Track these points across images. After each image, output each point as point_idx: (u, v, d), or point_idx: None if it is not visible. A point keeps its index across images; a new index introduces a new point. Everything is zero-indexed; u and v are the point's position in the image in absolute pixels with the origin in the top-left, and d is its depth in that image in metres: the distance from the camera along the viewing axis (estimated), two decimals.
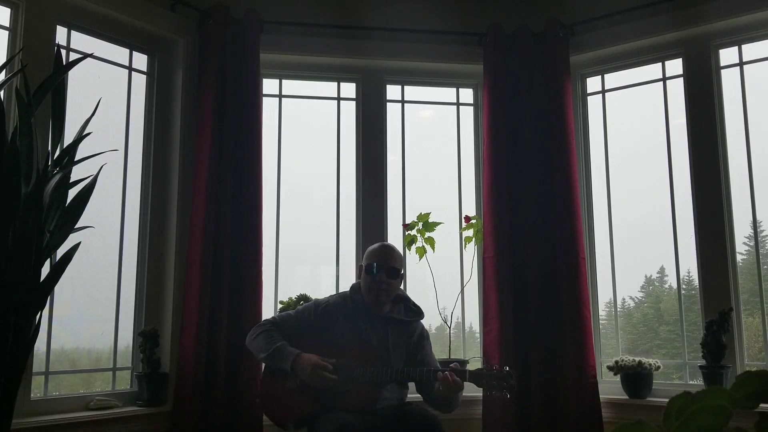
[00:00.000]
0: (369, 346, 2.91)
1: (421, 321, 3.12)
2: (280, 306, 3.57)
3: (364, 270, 3.01)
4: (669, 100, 3.69)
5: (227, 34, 3.55)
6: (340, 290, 3.71)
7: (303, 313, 3.06)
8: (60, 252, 2.54)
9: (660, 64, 3.72)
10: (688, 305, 3.57)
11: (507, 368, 2.73)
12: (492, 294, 3.54)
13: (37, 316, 2.44)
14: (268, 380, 2.94)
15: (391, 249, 3.06)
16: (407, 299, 3.14)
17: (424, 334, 3.07)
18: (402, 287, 3.23)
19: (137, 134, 3.52)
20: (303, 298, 3.51)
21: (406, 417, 2.76)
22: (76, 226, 2.55)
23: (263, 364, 3.05)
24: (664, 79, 3.71)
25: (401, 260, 3.08)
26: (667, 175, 3.64)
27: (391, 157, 3.91)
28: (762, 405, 0.73)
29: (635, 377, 3.36)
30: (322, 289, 3.89)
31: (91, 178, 2.60)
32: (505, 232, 3.58)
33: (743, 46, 3.50)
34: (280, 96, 3.90)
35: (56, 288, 2.66)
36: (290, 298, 3.54)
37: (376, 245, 3.08)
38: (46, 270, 2.48)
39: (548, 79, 3.71)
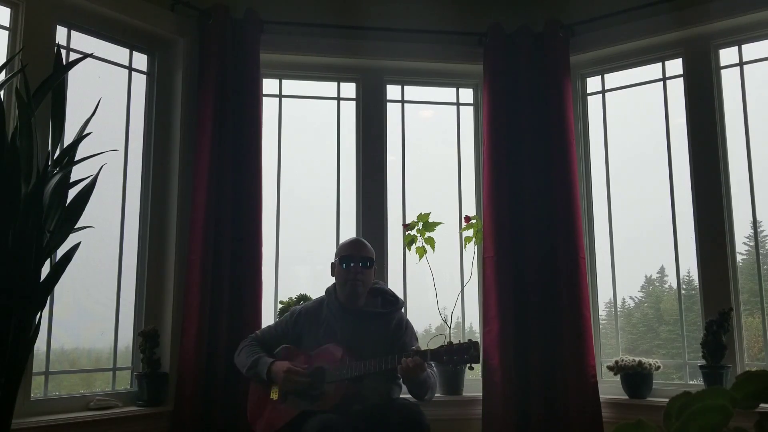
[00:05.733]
0: (344, 345, 2.90)
1: (401, 310, 3.12)
2: (280, 306, 3.57)
3: (338, 263, 3.04)
4: (669, 100, 3.69)
5: (227, 34, 3.55)
6: None
7: (281, 324, 3.13)
8: (60, 252, 2.54)
9: (660, 64, 3.72)
10: (688, 305, 3.57)
11: (469, 340, 2.72)
12: (492, 294, 3.53)
13: (37, 316, 2.44)
14: (254, 398, 2.98)
15: (363, 241, 3.12)
16: (385, 291, 3.14)
17: (401, 324, 3.04)
18: (397, 284, 3.24)
19: (137, 134, 3.52)
20: (303, 298, 3.51)
21: (391, 411, 2.75)
22: (76, 226, 2.55)
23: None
24: (664, 79, 3.71)
25: (373, 253, 3.10)
26: (667, 175, 3.64)
27: (391, 157, 3.91)
28: (762, 405, 0.73)
29: (635, 377, 3.36)
30: (322, 289, 3.88)
31: (91, 178, 2.60)
32: (505, 232, 3.58)
33: (743, 46, 3.50)
34: (280, 96, 3.90)
35: (56, 288, 2.66)
36: (290, 298, 3.54)
37: (346, 240, 3.14)
38: (46, 270, 2.48)
39: (548, 79, 3.71)
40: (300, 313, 3.09)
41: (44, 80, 2.59)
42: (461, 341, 2.74)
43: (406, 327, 3.05)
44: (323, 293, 3.15)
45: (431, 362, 2.79)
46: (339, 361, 2.82)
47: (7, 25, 3.01)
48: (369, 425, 2.74)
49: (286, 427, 2.81)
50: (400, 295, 3.23)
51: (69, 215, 2.51)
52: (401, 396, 2.99)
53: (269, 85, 3.86)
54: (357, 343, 2.91)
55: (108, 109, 3.20)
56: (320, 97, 3.99)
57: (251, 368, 2.93)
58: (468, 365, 2.75)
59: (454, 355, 2.69)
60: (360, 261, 2.99)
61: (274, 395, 2.88)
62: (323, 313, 3.04)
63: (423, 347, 2.91)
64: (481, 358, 3.54)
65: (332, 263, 3.11)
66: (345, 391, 2.76)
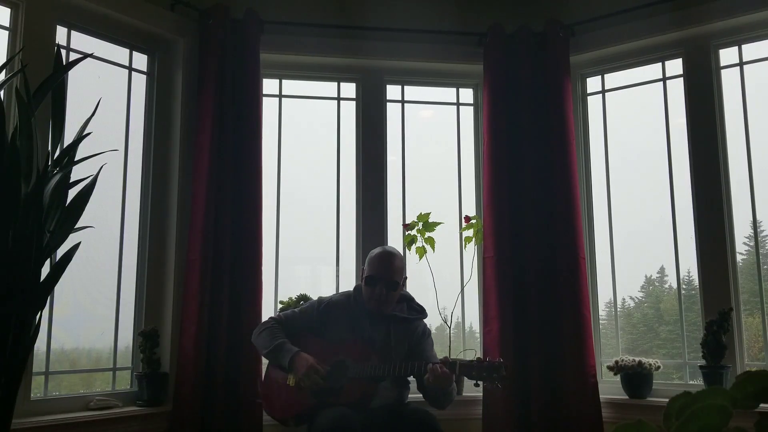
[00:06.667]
0: (370, 344, 2.92)
1: (425, 321, 3.14)
2: (280, 306, 3.57)
3: (364, 280, 3.02)
4: (669, 100, 3.69)
5: (227, 34, 3.55)
6: (340, 290, 3.71)
7: (306, 311, 3.11)
8: (60, 252, 2.54)
9: (660, 64, 3.72)
10: (688, 305, 3.57)
11: (499, 360, 2.69)
12: (492, 294, 3.53)
13: (37, 316, 2.44)
14: (270, 378, 3.00)
15: (391, 259, 3.03)
16: (411, 299, 3.17)
17: (425, 332, 3.09)
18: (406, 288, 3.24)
19: (137, 134, 3.52)
20: (303, 298, 3.51)
21: (405, 416, 2.77)
22: (76, 226, 2.55)
23: (265, 365, 3.13)
24: (664, 79, 3.71)
25: (402, 269, 3.06)
26: (667, 175, 3.64)
27: (391, 157, 3.91)
28: (762, 405, 0.73)
29: (635, 377, 3.36)
30: (322, 289, 3.89)
31: (91, 178, 2.60)
32: (505, 232, 3.58)
33: (743, 46, 3.50)
34: (280, 96, 3.90)
35: (56, 288, 2.66)
36: (290, 298, 3.54)
37: (377, 252, 3.08)
38: (46, 270, 2.48)
39: (548, 79, 3.71)
40: (327, 305, 3.07)
41: (44, 80, 2.58)
42: (490, 359, 2.72)
43: (428, 337, 3.08)
44: (340, 289, 3.18)
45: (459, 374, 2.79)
46: (365, 359, 2.83)
47: (7, 25, 3.01)
48: (381, 427, 2.75)
49: (301, 415, 2.82)
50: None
51: (69, 215, 2.50)
52: (412, 400, 3.01)
53: (269, 85, 3.86)
54: (382, 344, 2.94)
55: (108, 109, 3.20)
56: (320, 97, 3.99)
57: (273, 351, 2.90)
58: (496, 384, 2.69)
59: (484, 372, 2.65)
60: (386, 285, 2.96)
61: (291, 381, 2.86)
62: (350, 308, 3.04)
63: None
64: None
65: (362, 269, 3.11)
66: (365, 389, 2.77)
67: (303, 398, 2.84)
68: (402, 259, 3.11)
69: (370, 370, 2.78)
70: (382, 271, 2.98)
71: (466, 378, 2.83)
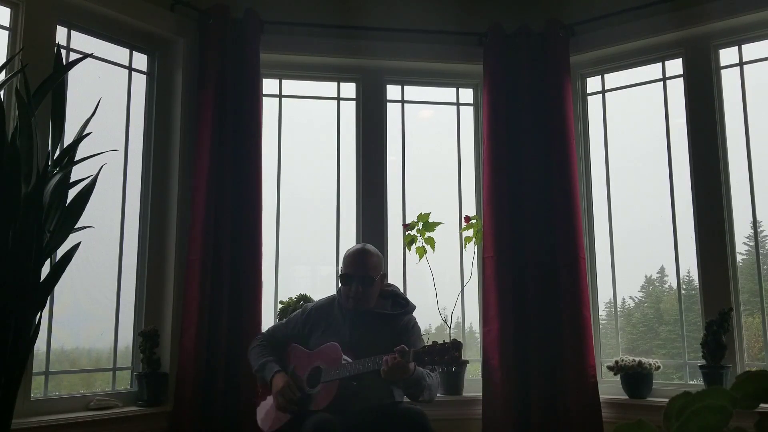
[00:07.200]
0: (352, 346, 2.86)
1: (413, 315, 3.04)
2: (280, 306, 3.57)
3: (340, 279, 2.99)
4: (669, 100, 3.69)
5: (227, 34, 3.55)
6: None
7: (292, 320, 3.11)
8: (60, 252, 2.54)
9: (660, 64, 3.72)
10: (688, 305, 3.57)
11: (453, 340, 2.58)
12: (492, 294, 3.53)
13: (37, 316, 2.44)
14: (262, 396, 2.98)
15: (365, 255, 2.97)
16: (397, 294, 3.10)
17: (408, 326, 2.97)
18: (396, 284, 3.22)
19: (137, 134, 3.52)
20: (303, 298, 3.51)
21: (394, 415, 2.73)
22: (76, 226, 2.55)
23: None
24: (664, 79, 3.71)
25: (377, 265, 2.99)
26: (667, 175, 3.64)
27: (391, 157, 3.91)
28: (762, 405, 0.73)
29: (635, 377, 3.36)
30: (322, 289, 3.89)
31: (91, 178, 2.60)
32: (505, 232, 3.58)
33: (743, 46, 3.50)
34: (280, 96, 3.90)
35: (56, 288, 2.65)
36: (290, 298, 3.54)
37: (351, 250, 3.03)
38: (46, 270, 2.48)
39: (548, 79, 3.71)
40: (311, 310, 3.06)
41: (44, 80, 2.58)
42: (445, 341, 2.61)
43: (411, 329, 2.98)
44: (333, 291, 3.13)
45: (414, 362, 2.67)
46: (336, 361, 2.80)
47: (7, 25, 3.01)
48: (370, 428, 2.73)
49: (286, 427, 2.81)
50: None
51: (69, 215, 2.50)
52: (406, 400, 2.97)
53: (269, 85, 3.86)
54: (361, 344, 2.87)
55: (108, 109, 3.20)
56: (320, 97, 3.99)
57: (258, 371, 2.95)
58: (450, 367, 2.57)
59: (435, 356, 2.57)
60: (359, 282, 2.91)
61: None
62: (333, 311, 3.02)
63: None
64: (482, 358, 3.56)
65: (339, 268, 3.08)
66: (338, 390, 2.74)
67: (283, 415, 2.82)
68: (378, 256, 3.03)
69: (339, 372, 2.75)
70: (355, 268, 2.94)
71: (419, 366, 2.66)
